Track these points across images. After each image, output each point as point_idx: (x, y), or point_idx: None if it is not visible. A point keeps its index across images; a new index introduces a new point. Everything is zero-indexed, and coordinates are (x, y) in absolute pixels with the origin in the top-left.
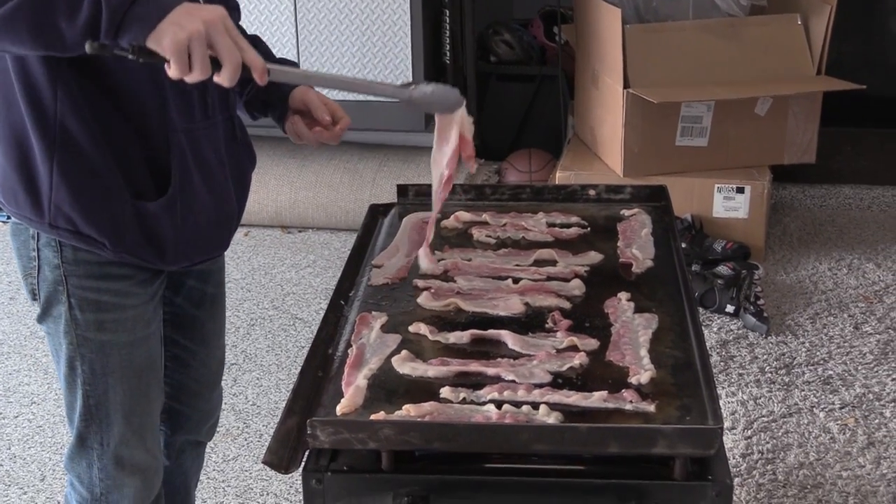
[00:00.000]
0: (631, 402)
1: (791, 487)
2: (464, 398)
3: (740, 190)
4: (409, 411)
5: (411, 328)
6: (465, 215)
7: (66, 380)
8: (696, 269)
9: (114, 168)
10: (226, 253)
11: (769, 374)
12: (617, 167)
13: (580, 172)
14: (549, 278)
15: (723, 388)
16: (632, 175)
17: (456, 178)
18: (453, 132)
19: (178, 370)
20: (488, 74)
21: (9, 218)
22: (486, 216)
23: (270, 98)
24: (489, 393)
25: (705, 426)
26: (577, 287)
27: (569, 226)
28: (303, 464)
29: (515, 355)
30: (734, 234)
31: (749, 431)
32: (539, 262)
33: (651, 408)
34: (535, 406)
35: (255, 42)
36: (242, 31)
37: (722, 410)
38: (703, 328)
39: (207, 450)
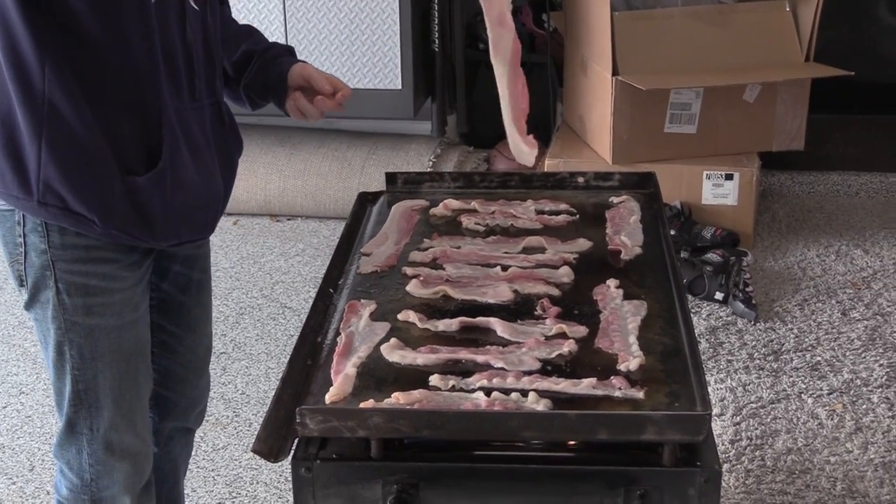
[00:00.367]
0: (620, 388)
1: (779, 473)
2: (453, 386)
3: (729, 177)
4: (398, 399)
5: (400, 316)
6: (453, 203)
7: (55, 365)
8: (685, 256)
9: (103, 144)
10: (215, 242)
11: (758, 361)
12: (606, 154)
13: (569, 160)
14: (538, 266)
15: (711, 374)
16: (620, 162)
17: None
18: (506, 15)
19: (165, 356)
20: (477, 62)
21: None
22: (474, 204)
23: (269, 79)
24: (478, 380)
25: (694, 412)
26: (565, 274)
27: (558, 213)
28: (292, 452)
29: (504, 343)
30: (723, 220)
31: (738, 418)
32: (528, 250)
33: (640, 394)
34: (525, 393)
35: (250, 31)
36: (234, 23)
37: (710, 397)
38: (691, 315)
39: (197, 439)
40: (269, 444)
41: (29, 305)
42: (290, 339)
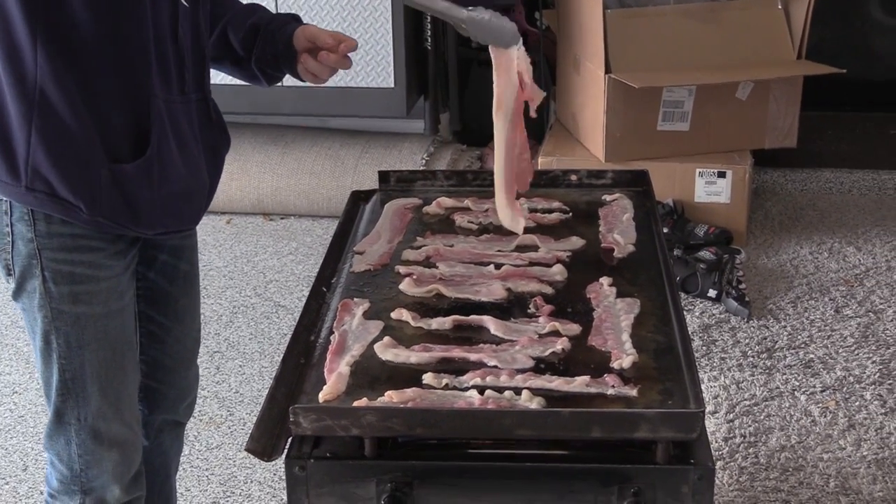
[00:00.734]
0: (613, 386)
1: (773, 470)
2: (446, 384)
3: (722, 174)
4: (391, 398)
5: (393, 314)
6: (446, 201)
7: (42, 354)
8: (678, 253)
9: (92, 132)
10: (208, 241)
11: (751, 358)
12: (599, 152)
13: (562, 158)
14: (531, 264)
15: (705, 372)
16: (613, 160)
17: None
18: (513, 72)
19: (152, 346)
20: (470, 60)
21: None
22: (467, 202)
23: (277, 48)
24: (472, 379)
25: (687, 410)
26: (559, 272)
27: (550, 211)
28: (286, 451)
29: (498, 341)
30: (716, 218)
31: (731, 415)
32: (521, 248)
33: (633, 392)
34: (518, 391)
35: (254, 8)
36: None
37: (704, 394)
38: (684, 313)
39: (191, 438)
40: (263, 443)
41: (16, 295)
42: (283, 337)
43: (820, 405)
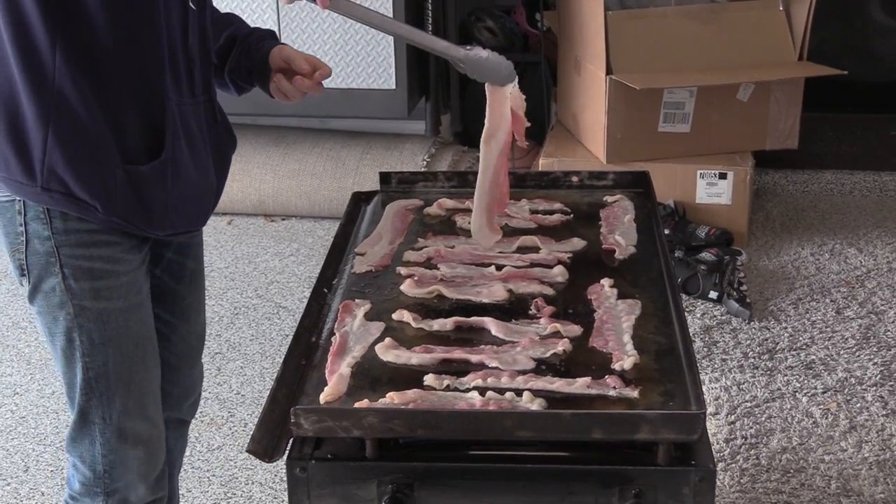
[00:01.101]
0: (614, 388)
1: (774, 472)
2: (447, 385)
3: (723, 176)
4: (392, 399)
5: (395, 316)
6: (448, 202)
7: (65, 354)
8: (680, 255)
9: (107, 132)
10: (209, 242)
11: (752, 360)
12: (600, 153)
13: (563, 159)
14: (532, 265)
15: (706, 373)
16: (614, 161)
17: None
18: (507, 108)
19: (158, 344)
20: None
21: None
22: (469, 203)
23: (252, 63)
24: (473, 380)
25: (688, 412)
26: (560, 273)
27: (552, 212)
28: (287, 452)
29: (499, 342)
30: (717, 219)
31: (732, 417)
32: (522, 249)
33: (634, 394)
34: (519, 393)
35: (231, 19)
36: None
37: (705, 396)
38: (686, 314)
39: (192, 439)
40: (264, 445)
41: (32, 297)
42: (284, 338)
43: (821, 407)
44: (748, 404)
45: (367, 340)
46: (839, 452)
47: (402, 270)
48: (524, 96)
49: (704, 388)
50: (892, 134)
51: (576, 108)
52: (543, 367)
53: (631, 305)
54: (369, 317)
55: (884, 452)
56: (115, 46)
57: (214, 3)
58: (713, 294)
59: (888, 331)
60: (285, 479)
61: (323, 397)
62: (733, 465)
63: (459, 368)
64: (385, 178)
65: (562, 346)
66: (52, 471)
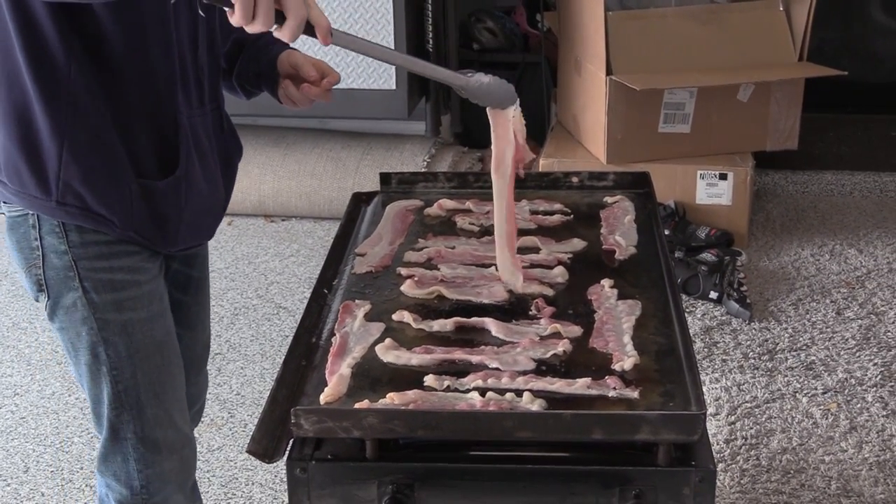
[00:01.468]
0: (614, 388)
1: (774, 473)
2: (448, 386)
3: (723, 176)
4: (392, 399)
5: (395, 316)
6: (448, 203)
7: (90, 370)
8: (680, 255)
9: (121, 147)
10: (210, 242)
11: (752, 360)
12: (600, 154)
13: (563, 160)
14: (533, 265)
15: (706, 374)
16: (615, 162)
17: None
18: (510, 131)
19: None
20: (471, 62)
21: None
22: (469, 204)
23: (260, 67)
24: (473, 380)
25: (689, 412)
26: (560, 274)
27: (552, 213)
28: (287, 453)
29: (499, 343)
30: (717, 220)
31: (732, 417)
32: (522, 250)
33: (635, 394)
34: (519, 393)
35: None
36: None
37: (705, 396)
38: (686, 314)
39: None
40: (264, 445)
41: (52, 314)
42: (284, 339)
43: (821, 407)
44: (748, 405)
45: (368, 341)
46: (839, 453)
47: (403, 271)
48: (525, 122)
49: (705, 389)
50: (893, 135)
51: (576, 108)
52: (544, 367)
53: (631, 306)
54: (369, 317)
55: (884, 453)
56: (126, 56)
57: None
58: (713, 294)
59: (888, 331)
60: (285, 479)
61: (323, 398)
62: (733, 466)
63: (460, 369)
64: (385, 178)
65: (562, 346)
66: (52, 471)
